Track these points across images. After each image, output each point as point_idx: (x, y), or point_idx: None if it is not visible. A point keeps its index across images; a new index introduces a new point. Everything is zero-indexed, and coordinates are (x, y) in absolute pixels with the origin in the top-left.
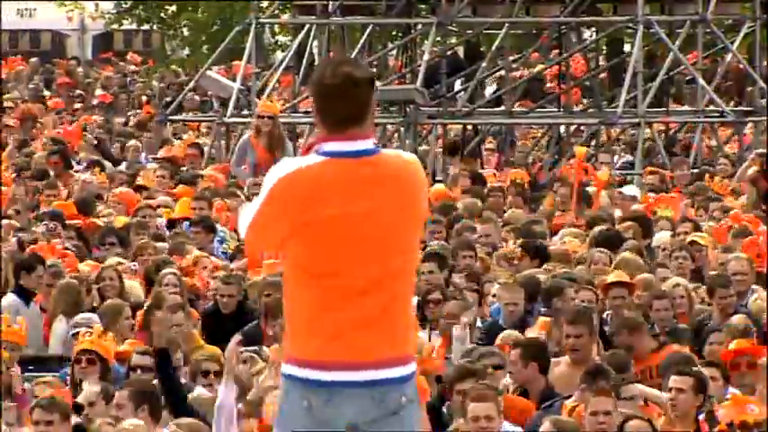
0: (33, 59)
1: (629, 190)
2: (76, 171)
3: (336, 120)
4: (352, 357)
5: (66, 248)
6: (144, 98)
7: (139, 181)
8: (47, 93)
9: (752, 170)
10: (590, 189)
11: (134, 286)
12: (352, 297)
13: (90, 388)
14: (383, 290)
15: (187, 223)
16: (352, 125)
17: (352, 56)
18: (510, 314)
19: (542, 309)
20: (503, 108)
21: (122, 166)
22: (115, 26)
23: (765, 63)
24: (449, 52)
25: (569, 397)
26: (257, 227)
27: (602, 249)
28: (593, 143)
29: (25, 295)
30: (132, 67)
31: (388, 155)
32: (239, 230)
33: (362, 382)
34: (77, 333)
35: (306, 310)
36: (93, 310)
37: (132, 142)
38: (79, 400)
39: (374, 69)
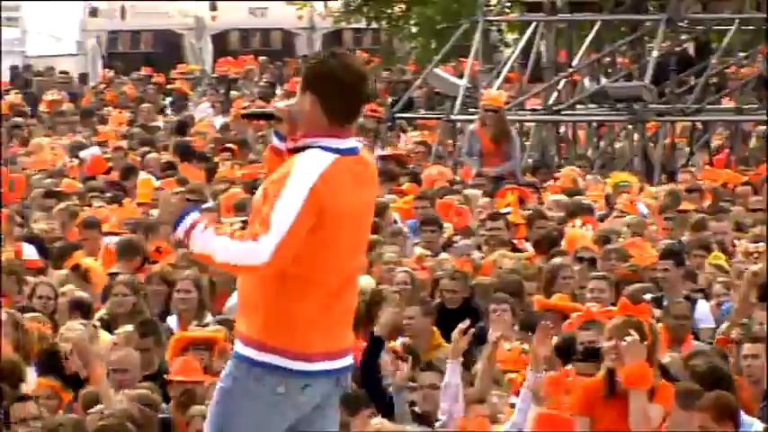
0: (263, 58)
1: None
2: None
3: (346, 117)
4: (333, 348)
5: None
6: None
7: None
8: (278, 91)
9: None
10: None
11: (368, 282)
12: (336, 292)
13: None
14: (354, 285)
15: (410, 222)
16: (353, 123)
17: (579, 52)
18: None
19: None
20: (732, 105)
21: None
22: (344, 24)
23: None
24: (678, 49)
25: None
26: (295, 236)
27: None
28: None
29: None
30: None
31: (366, 153)
32: (267, 241)
33: (338, 369)
34: None
35: (290, 302)
36: None
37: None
38: None
39: (602, 66)
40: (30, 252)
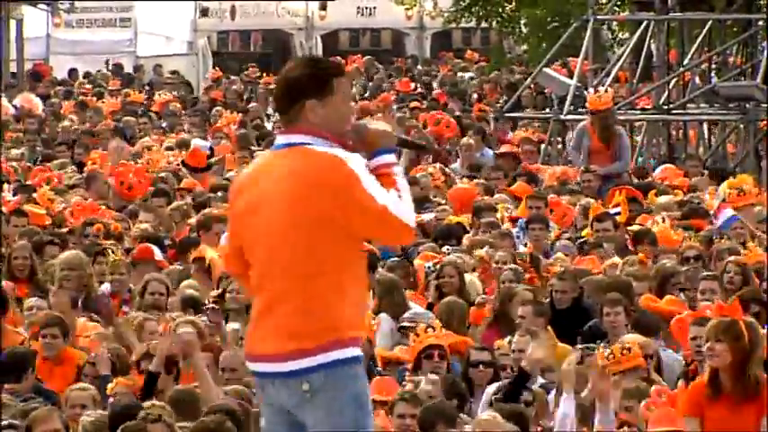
0: (367, 57)
1: None
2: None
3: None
4: (249, 350)
5: None
6: (475, 96)
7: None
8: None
9: None
10: None
11: (474, 281)
12: (254, 292)
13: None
14: (270, 288)
15: (520, 221)
16: (282, 119)
17: (691, 51)
18: None
19: None
20: None
21: (457, 163)
22: (454, 24)
23: None
24: None
25: None
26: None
27: None
28: None
29: None
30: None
31: (302, 150)
32: None
33: (263, 373)
34: (409, 328)
35: None
36: (430, 306)
37: (464, 139)
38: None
39: (713, 65)
40: (158, 252)
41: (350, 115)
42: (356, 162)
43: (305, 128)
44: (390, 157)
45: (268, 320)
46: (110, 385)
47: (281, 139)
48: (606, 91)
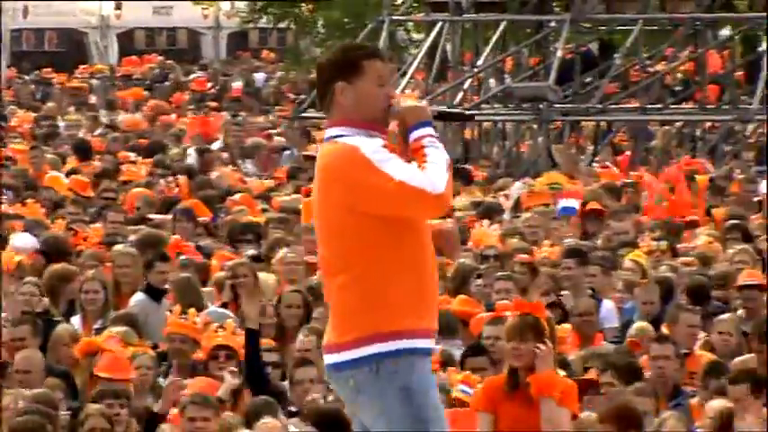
0: (160, 57)
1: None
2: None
3: None
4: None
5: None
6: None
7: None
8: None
9: None
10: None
11: (270, 279)
12: None
13: (232, 381)
14: (326, 278)
15: None
16: (322, 110)
17: (485, 52)
18: (646, 313)
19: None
20: (636, 105)
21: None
22: (250, 24)
23: None
24: (583, 49)
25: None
26: None
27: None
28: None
29: (155, 293)
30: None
31: (329, 144)
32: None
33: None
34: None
35: None
36: (225, 305)
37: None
38: (220, 393)
39: (505, 65)
40: None
41: (384, 98)
42: (370, 146)
43: (338, 117)
44: (422, 131)
45: (331, 311)
46: None
47: (325, 134)
48: (411, 90)
